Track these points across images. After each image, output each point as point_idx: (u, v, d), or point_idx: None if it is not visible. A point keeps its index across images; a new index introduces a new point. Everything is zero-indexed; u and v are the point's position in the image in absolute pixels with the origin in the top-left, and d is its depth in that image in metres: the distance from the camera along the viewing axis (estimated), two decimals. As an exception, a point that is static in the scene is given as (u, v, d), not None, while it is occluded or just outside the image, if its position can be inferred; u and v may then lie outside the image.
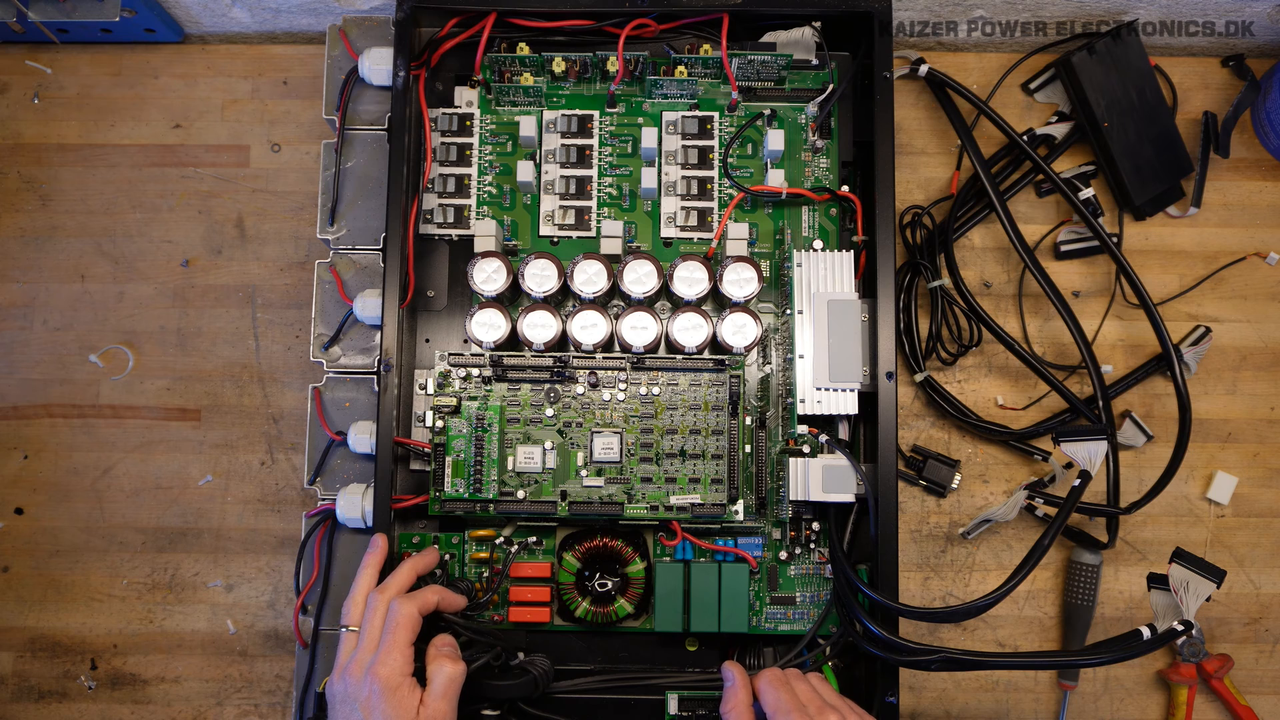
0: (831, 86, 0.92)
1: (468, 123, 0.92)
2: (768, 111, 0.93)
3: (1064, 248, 0.97)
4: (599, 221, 0.92)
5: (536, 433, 0.87)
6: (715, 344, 0.87)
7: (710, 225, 0.92)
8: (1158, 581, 0.81)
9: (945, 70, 0.94)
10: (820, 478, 0.85)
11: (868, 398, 0.87)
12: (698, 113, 0.92)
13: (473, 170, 0.92)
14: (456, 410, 0.87)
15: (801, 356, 0.86)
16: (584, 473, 0.87)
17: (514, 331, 0.86)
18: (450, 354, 0.88)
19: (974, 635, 0.94)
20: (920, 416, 0.96)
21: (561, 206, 0.92)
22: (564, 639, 0.89)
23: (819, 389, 0.86)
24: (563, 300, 0.91)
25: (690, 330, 0.86)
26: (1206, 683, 0.92)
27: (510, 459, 0.86)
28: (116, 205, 0.99)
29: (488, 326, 0.86)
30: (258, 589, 0.94)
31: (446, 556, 0.88)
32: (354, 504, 0.85)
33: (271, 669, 0.93)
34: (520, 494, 0.86)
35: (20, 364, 0.97)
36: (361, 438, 0.87)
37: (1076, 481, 0.83)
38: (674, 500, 0.86)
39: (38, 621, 0.94)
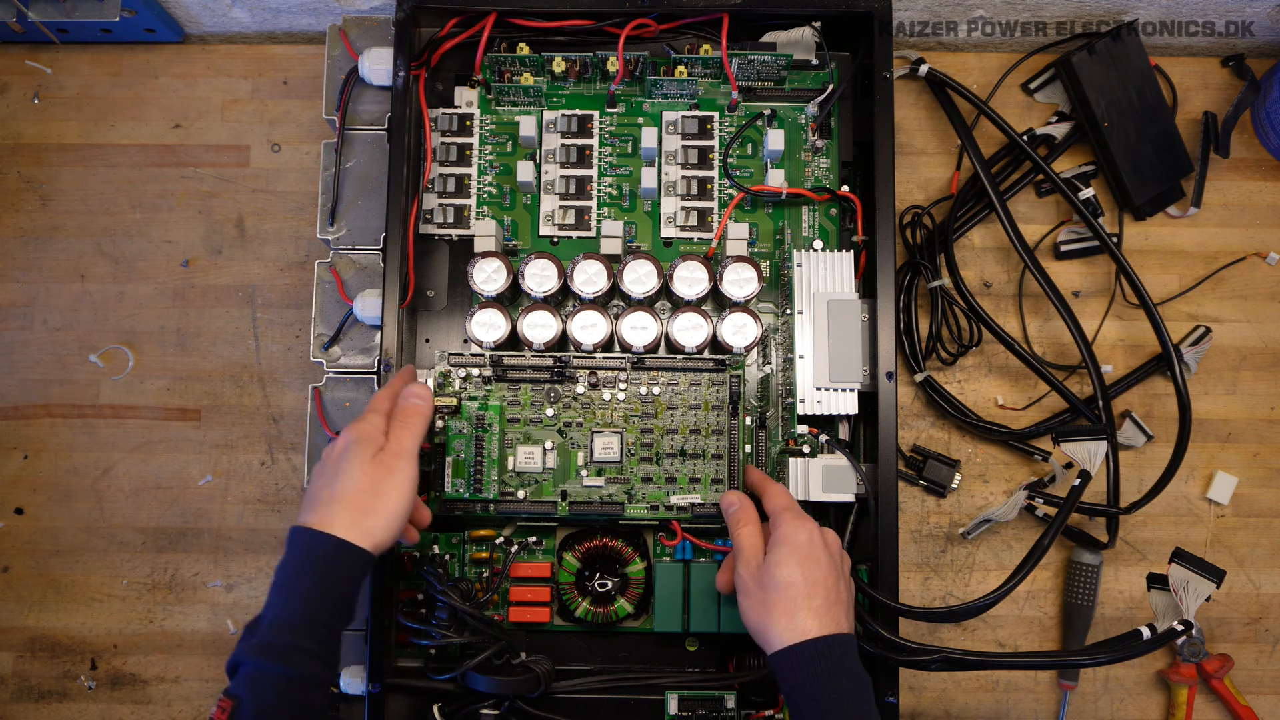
0: (831, 86, 0.92)
1: (468, 123, 0.92)
2: (768, 111, 0.93)
3: (1064, 248, 0.97)
4: (599, 221, 0.92)
5: (537, 433, 0.87)
6: (715, 344, 0.87)
7: (710, 225, 0.92)
8: (1158, 581, 0.81)
9: (945, 70, 0.94)
10: (820, 478, 0.85)
11: (868, 398, 0.87)
12: (698, 113, 0.92)
13: (473, 170, 0.92)
14: (457, 410, 0.87)
15: (801, 356, 0.86)
16: (584, 473, 0.87)
17: (514, 331, 0.86)
18: (450, 354, 0.88)
19: (974, 635, 0.94)
20: (920, 416, 0.96)
21: (561, 206, 0.92)
22: (564, 639, 0.89)
23: (819, 389, 0.86)
24: (563, 300, 0.91)
25: (690, 330, 0.86)
26: (1206, 683, 0.92)
27: (510, 459, 0.87)
28: (116, 205, 0.99)
29: (488, 326, 0.86)
30: (258, 589, 0.94)
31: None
32: (354, 504, 0.85)
33: (271, 669, 0.93)
34: (520, 494, 0.86)
35: (20, 364, 0.97)
36: (361, 438, 0.87)
37: (1076, 481, 0.84)
38: (674, 500, 0.86)
39: (38, 621, 0.94)
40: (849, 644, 0.72)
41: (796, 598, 0.72)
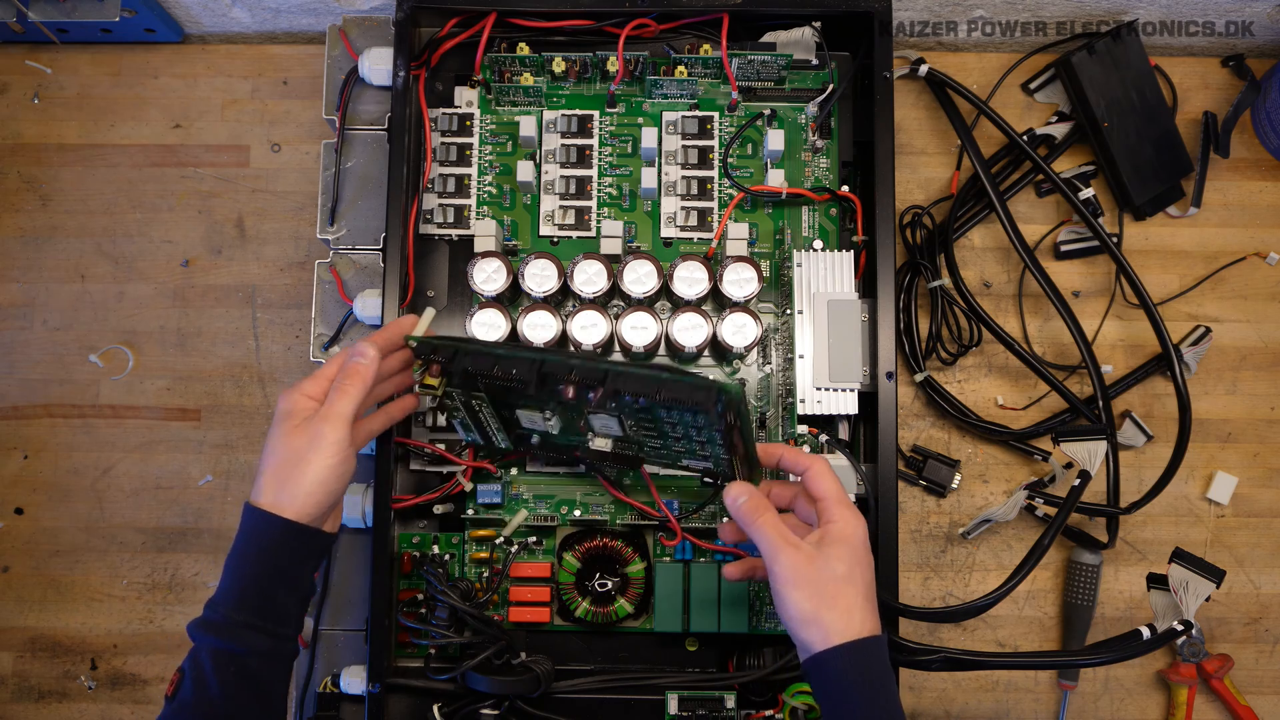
0: (831, 86, 0.92)
1: (468, 123, 0.92)
2: (768, 111, 0.93)
3: (1064, 248, 0.97)
4: (599, 221, 0.92)
5: (526, 414, 0.79)
6: (715, 344, 0.87)
7: (710, 225, 0.92)
8: (1157, 581, 0.80)
9: (945, 70, 0.94)
10: (820, 478, 0.85)
11: (868, 398, 0.87)
12: (698, 113, 0.92)
13: (473, 170, 0.92)
14: (443, 398, 0.80)
15: (801, 356, 0.86)
16: (590, 438, 0.79)
17: (514, 332, 0.86)
18: (414, 341, 0.77)
19: (974, 635, 0.94)
20: (920, 416, 0.96)
21: (561, 206, 0.92)
22: (564, 639, 0.89)
23: (819, 389, 0.86)
24: (563, 300, 0.91)
25: (690, 330, 0.86)
26: (1206, 683, 0.92)
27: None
28: (116, 205, 0.99)
29: (488, 327, 0.86)
30: (258, 589, 0.94)
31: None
32: (354, 504, 0.85)
33: (271, 669, 0.93)
34: (535, 439, 0.81)
35: (20, 364, 0.97)
36: (361, 438, 0.87)
37: (1076, 481, 0.84)
38: (687, 461, 0.80)
39: (38, 621, 0.94)
40: (887, 646, 0.71)
41: (855, 594, 0.69)
